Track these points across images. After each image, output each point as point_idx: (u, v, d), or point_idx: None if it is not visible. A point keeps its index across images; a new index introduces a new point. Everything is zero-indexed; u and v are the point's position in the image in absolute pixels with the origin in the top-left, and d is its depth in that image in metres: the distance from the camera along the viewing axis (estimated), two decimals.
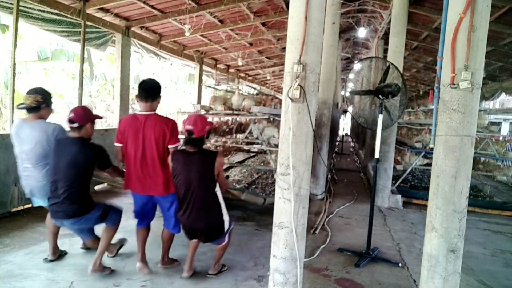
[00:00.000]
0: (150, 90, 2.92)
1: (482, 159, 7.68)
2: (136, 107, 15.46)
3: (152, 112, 2.94)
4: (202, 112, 5.80)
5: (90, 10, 5.92)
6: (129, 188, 3.05)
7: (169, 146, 2.91)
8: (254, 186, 6.29)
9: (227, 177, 3.14)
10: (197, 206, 2.75)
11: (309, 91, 2.49)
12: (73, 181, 2.80)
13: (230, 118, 6.75)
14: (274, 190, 5.52)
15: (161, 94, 3.03)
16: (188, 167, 2.72)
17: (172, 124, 2.93)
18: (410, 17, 6.43)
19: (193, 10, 6.60)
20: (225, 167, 8.14)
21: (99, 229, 3.12)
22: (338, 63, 10.34)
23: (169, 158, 2.84)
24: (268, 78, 15.80)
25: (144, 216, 3.17)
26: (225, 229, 2.91)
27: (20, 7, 4.79)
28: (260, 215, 5.07)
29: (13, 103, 4.69)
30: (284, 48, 4.71)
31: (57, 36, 6.10)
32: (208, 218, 2.80)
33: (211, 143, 7.19)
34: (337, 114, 12.47)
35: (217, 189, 2.83)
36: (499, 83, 10.57)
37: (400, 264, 3.64)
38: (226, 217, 2.89)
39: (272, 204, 2.63)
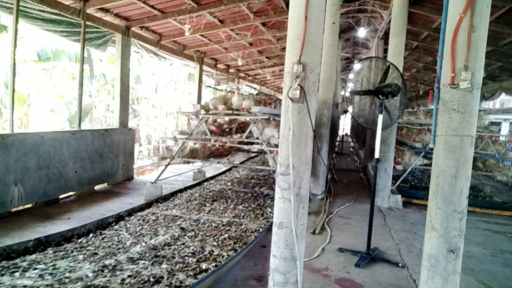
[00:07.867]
0: None
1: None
2: (136, 107, 15.41)
3: None
4: (202, 112, 5.79)
5: (90, 10, 5.92)
6: None
7: None
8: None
9: None
10: None
11: (309, 91, 2.49)
12: None
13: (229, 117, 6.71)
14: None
15: None
16: None
17: None
18: (410, 17, 6.43)
19: (193, 10, 6.60)
20: (224, 168, 8.08)
21: None
22: (338, 63, 10.33)
23: None
24: (268, 78, 15.78)
25: None
26: None
27: (20, 7, 4.79)
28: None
29: (13, 103, 4.68)
30: (284, 48, 4.70)
31: (57, 36, 6.09)
32: None
33: (211, 143, 7.18)
34: (337, 114, 12.46)
35: None
36: (499, 83, 10.56)
37: (400, 264, 3.64)
38: None
39: None
